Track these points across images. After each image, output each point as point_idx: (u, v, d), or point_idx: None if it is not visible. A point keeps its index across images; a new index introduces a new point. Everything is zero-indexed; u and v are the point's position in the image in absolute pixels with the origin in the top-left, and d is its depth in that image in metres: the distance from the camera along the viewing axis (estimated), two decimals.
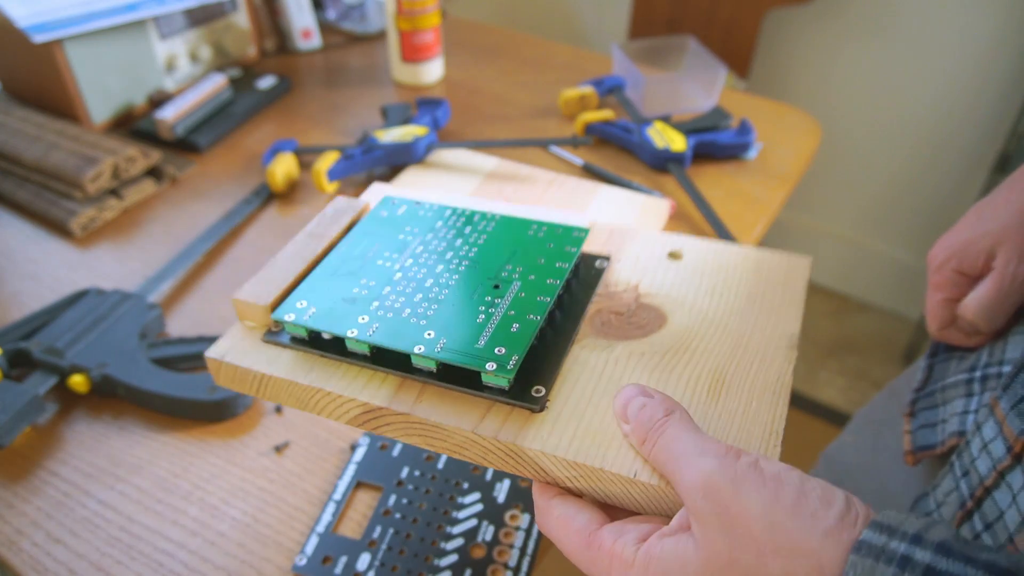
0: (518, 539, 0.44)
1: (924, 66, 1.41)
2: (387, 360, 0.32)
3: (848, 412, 1.52)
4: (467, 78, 0.95)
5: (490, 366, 0.30)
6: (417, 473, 0.48)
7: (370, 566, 0.43)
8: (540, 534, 0.45)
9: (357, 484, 0.48)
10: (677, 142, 0.74)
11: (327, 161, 0.72)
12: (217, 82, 0.86)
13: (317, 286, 0.35)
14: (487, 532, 0.45)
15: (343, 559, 0.44)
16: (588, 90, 0.84)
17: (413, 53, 0.91)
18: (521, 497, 0.47)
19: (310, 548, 0.44)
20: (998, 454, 0.34)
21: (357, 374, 0.32)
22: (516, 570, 0.43)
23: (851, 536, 0.23)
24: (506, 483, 0.47)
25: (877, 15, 1.41)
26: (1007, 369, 0.40)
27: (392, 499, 0.47)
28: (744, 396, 0.30)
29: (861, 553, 0.22)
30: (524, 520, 0.45)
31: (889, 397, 0.57)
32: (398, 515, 0.46)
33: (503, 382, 0.30)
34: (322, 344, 0.33)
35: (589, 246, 0.39)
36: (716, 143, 0.76)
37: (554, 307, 0.34)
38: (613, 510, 0.30)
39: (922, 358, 0.51)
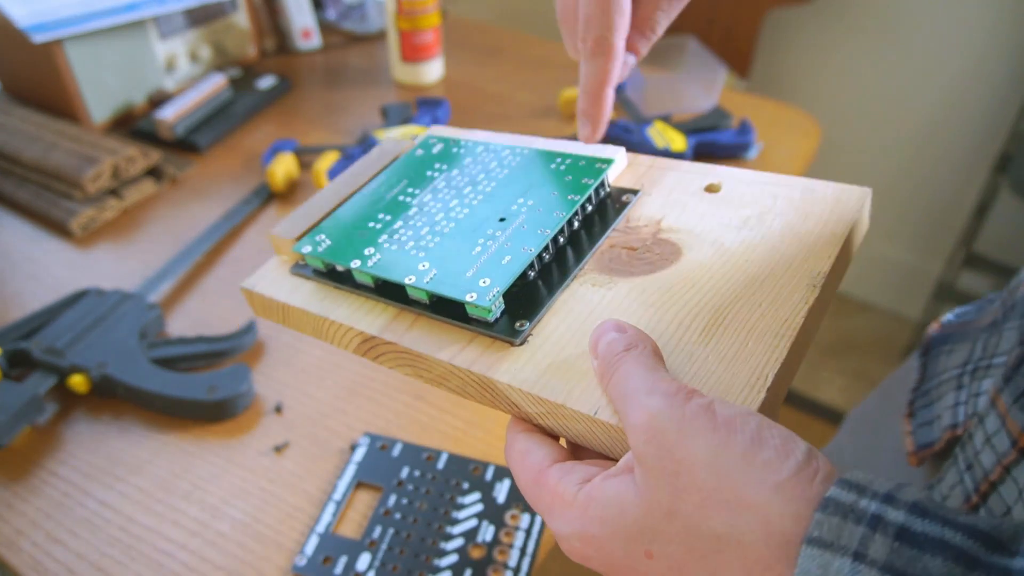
0: (518, 539, 0.44)
1: (924, 66, 1.41)
2: (390, 292, 0.33)
3: (848, 412, 1.52)
4: (467, 78, 0.95)
5: (470, 296, 0.30)
6: (417, 473, 0.48)
7: (370, 566, 0.43)
8: (540, 534, 0.45)
9: (357, 484, 0.48)
10: (677, 142, 0.74)
11: (327, 161, 0.72)
12: (217, 82, 0.86)
13: (339, 221, 0.37)
14: (487, 532, 0.45)
15: (343, 559, 0.44)
16: None
17: (413, 53, 0.91)
18: (521, 497, 0.47)
19: (310, 548, 0.44)
20: (1002, 448, 0.34)
21: (361, 304, 0.33)
22: (516, 570, 0.43)
23: (807, 493, 0.21)
24: (506, 483, 0.47)
25: (877, 15, 1.41)
26: (998, 361, 0.40)
27: (392, 499, 0.47)
28: (741, 337, 0.27)
29: (828, 511, 0.20)
30: (524, 520, 0.45)
31: (882, 396, 0.57)
32: (398, 515, 0.46)
33: (485, 314, 0.30)
34: (338, 276, 0.35)
35: (625, 180, 0.37)
36: (716, 143, 0.76)
37: (567, 242, 0.33)
38: (582, 452, 0.29)
39: (914, 357, 0.51)
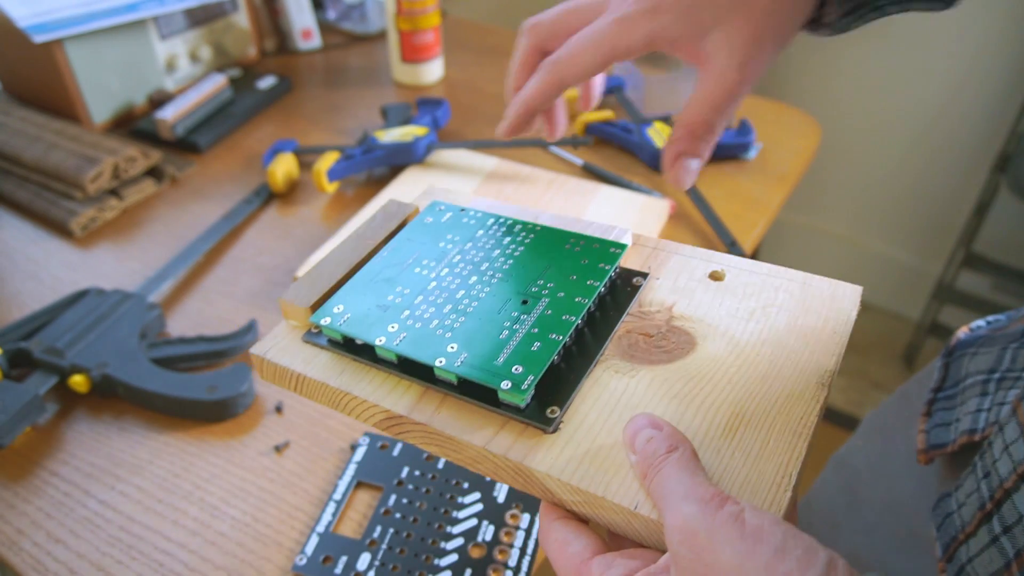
0: (518, 539, 0.45)
1: (924, 66, 1.41)
2: (413, 369, 0.33)
3: (848, 412, 1.52)
4: (467, 78, 0.95)
5: (505, 384, 0.30)
6: (417, 473, 0.48)
7: (370, 566, 0.43)
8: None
9: (357, 484, 0.48)
10: None
11: (327, 161, 0.72)
12: (217, 82, 0.86)
13: (355, 291, 0.36)
14: (487, 532, 0.45)
15: (343, 559, 0.44)
16: None
17: (413, 53, 0.91)
18: (521, 497, 0.47)
19: (310, 548, 0.44)
20: (1019, 456, 0.34)
21: (384, 380, 0.33)
22: (516, 570, 0.43)
23: None
24: None
25: None
26: None
27: (392, 499, 0.47)
28: (763, 434, 0.29)
29: None
30: (524, 520, 0.45)
31: (900, 401, 0.56)
32: (398, 515, 0.46)
33: (518, 401, 0.30)
34: (356, 348, 0.34)
35: (631, 260, 0.38)
36: (716, 143, 0.76)
37: (583, 324, 0.34)
38: (618, 539, 0.30)
39: (937, 358, 0.51)
